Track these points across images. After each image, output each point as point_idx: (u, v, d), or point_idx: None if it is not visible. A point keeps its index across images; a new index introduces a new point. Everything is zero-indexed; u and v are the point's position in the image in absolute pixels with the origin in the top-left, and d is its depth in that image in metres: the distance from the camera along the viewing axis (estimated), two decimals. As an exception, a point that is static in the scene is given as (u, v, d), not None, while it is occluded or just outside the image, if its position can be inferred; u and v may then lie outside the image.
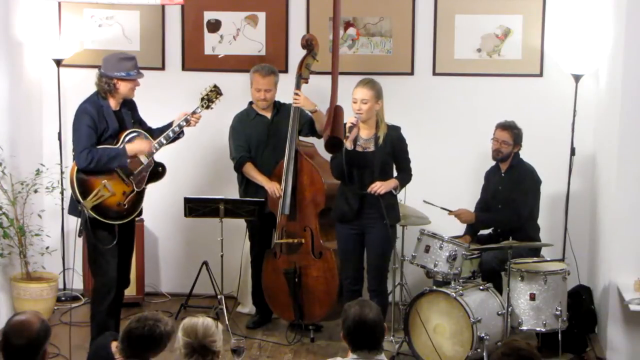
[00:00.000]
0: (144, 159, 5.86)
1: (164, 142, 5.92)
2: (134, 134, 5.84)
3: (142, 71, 5.88)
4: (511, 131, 6.48)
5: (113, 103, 5.80)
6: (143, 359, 4.01)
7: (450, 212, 6.56)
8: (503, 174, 6.59)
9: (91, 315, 5.93)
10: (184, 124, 5.95)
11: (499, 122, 6.54)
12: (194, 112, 6.00)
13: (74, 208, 5.79)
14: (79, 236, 5.81)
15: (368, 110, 5.87)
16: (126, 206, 5.79)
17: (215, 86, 6.14)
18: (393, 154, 5.98)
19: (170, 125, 5.99)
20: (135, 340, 3.99)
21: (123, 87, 5.77)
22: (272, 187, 6.46)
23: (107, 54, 5.97)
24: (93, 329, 5.87)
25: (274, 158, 6.57)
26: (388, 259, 6.05)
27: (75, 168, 5.70)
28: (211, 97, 6.10)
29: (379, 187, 5.87)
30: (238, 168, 6.63)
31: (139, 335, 3.98)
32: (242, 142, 6.62)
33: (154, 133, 5.97)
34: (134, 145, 5.79)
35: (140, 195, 5.88)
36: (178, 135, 5.99)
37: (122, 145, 5.74)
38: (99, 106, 5.74)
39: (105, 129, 5.73)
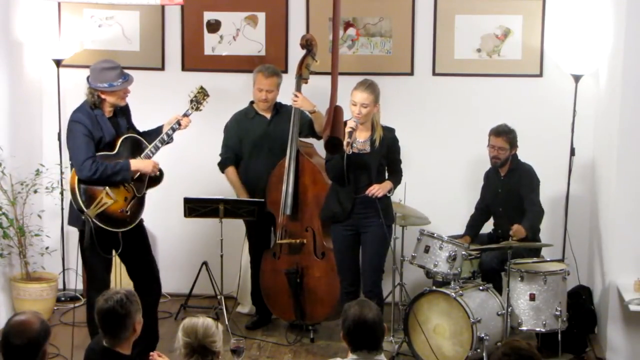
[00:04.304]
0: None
1: (160, 145, 5.85)
2: (129, 139, 5.78)
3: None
4: (505, 136, 6.42)
5: (106, 111, 5.72)
6: (119, 338, 4.15)
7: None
8: (503, 177, 6.57)
9: (87, 321, 5.90)
10: (177, 126, 5.88)
11: (492, 128, 6.47)
12: (185, 114, 5.97)
13: (76, 219, 5.69)
14: (82, 250, 5.69)
15: (367, 114, 5.87)
16: (129, 212, 5.73)
17: (202, 87, 6.11)
18: (387, 155, 5.98)
19: (161, 128, 5.92)
20: (109, 317, 4.12)
21: (109, 98, 5.68)
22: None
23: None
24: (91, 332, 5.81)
25: (270, 159, 6.55)
26: (383, 260, 6.04)
27: (76, 178, 5.59)
28: (199, 98, 6.07)
29: (376, 190, 5.87)
30: (221, 168, 6.63)
31: (109, 310, 4.11)
32: (231, 142, 6.61)
33: (144, 137, 5.90)
34: (138, 162, 5.72)
35: (141, 201, 5.82)
36: (168, 140, 5.93)
37: (125, 160, 5.65)
38: (92, 115, 5.65)
39: (101, 137, 5.65)
